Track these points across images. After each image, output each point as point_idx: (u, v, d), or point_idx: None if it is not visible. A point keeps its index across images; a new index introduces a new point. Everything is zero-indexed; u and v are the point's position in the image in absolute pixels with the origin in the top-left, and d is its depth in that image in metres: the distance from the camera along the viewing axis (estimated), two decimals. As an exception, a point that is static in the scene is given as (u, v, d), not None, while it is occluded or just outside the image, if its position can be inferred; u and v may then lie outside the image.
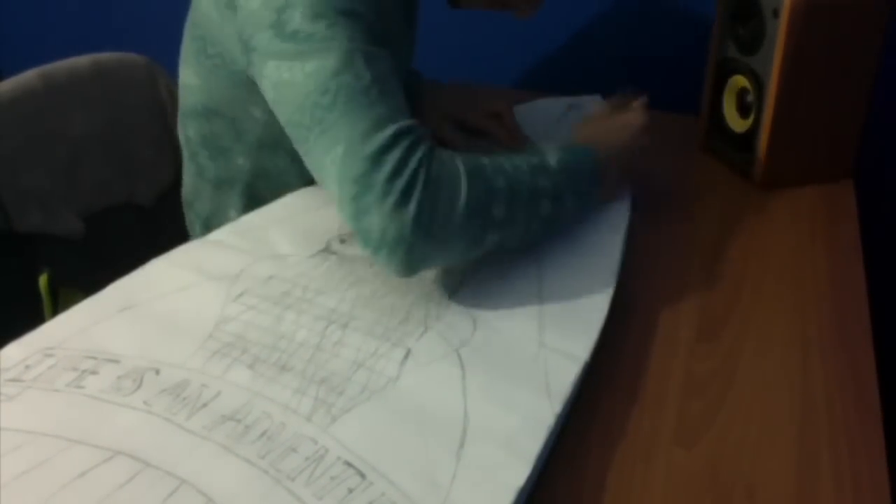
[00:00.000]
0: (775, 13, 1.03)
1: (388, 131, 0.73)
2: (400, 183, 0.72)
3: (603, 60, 1.47)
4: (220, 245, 0.88)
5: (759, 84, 1.08)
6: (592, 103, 1.25)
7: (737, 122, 1.15)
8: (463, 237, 0.75)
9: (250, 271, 0.83)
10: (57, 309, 1.09)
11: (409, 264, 0.74)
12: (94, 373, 0.69)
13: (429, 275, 0.83)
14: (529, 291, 0.82)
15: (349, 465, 0.61)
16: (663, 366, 0.79)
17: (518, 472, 0.62)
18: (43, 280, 1.09)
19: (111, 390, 0.67)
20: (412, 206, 0.72)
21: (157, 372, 0.69)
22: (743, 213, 1.05)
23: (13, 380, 0.68)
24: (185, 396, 0.67)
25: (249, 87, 0.91)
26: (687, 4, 1.39)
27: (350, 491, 0.59)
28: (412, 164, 0.73)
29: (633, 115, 1.00)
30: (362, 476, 0.60)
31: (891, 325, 1.40)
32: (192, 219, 1.10)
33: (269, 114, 0.93)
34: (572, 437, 0.70)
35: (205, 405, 0.66)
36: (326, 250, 0.87)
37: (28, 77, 1.11)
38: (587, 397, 0.74)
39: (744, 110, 1.14)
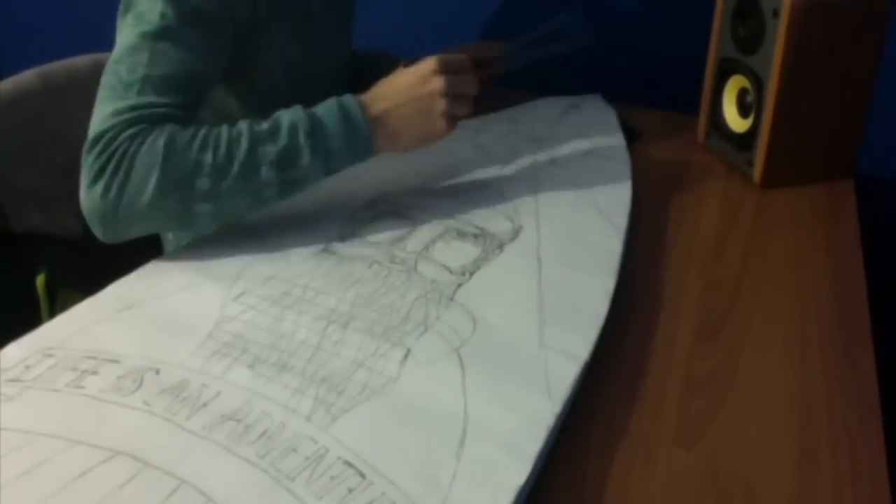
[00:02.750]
0: (775, 13, 1.03)
1: (118, 118, 0.82)
2: (97, 164, 0.80)
3: (603, 60, 1.47)
4: (220, 245, 0.88)
5: (759, 84, 1.08)
6: (592, 103, 1.25)
7: (737, 122, 1.15)
8: (161, 210, 0.82)
9: (250, 271, 0.83)
10: (55, 309, 1.09)
11: (111, 234, 0.83)
12: (94, 373, 0.69)
13: (429, 274, 0.83)
14: (529, 291, 0.82)
15: (349, 464, 0.61)
16: (663, 366, 0.79)
17: (518, 472, 0.62)
18: (40, 280, 1.09)
19: (111, 390, 0.67)
20: (99, 186, 0.80)
21: (157, 372, 0.69)
22: (743, 213, 1.05)
23: (13, 380, 0.68)
24: (185, 396, 0.67)
25: None
26: (687, 4, 1.39)
27: (350, 491, 0.59)
28: (116, 143, 0.81)
29: (425, 64, 0.90)
30: (362, 476, 0.60)
31: (891, 325, 1.40)
32: None
33: None
34: (572, 437, 0.70)
35: (205, 405, 0.66)
36: (326, 250, 0.87)
37: (27, 77, 1.11)
38: (587, 397, 0.74)
39: (744, 110, 1.14)
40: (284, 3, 1.00)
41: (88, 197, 0.81)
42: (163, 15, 0.86)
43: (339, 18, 1.11)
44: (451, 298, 0.80)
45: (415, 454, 0.63)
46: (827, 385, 0.76)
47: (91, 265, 1.04)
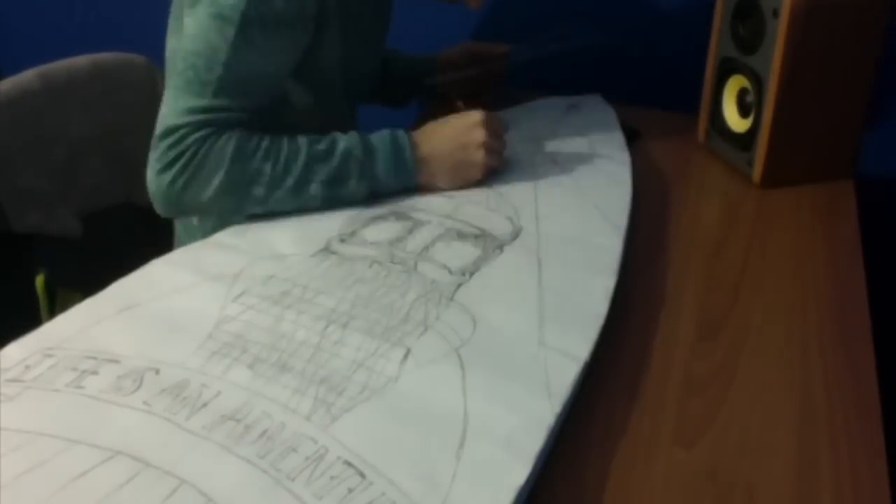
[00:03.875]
0: (775, 13, 1.03)
1: (197, 116, 0.90)
2: (171, 154, 0.89)
3: (603, 60, 1.47)
4: (220, 245, 0.88)
5: (759, 84, 1.08)
6: (592, 103, 1.25)
7: (737, 122, 1.15)
8: (217, 205, 0.92)
9: (250, 271, 0.83)
10: (54, 309, 1.09)
11: (170, 214, 0.95)
12: (94, 373, 0.69)
13: (429, 275, 0.83)
14: (529, 291, 0.82)
15: (349, 464, 0.61)
16: (663, 365, 0.79)
17: (518, 472, 0.62)
18: (40, 280, 1.09)
19: (111, 390, 0.67)
20: (168, 176, 0.90)
21: (157, 372, 0.69)
22: (743, 213, 1.05)
23: (13, 380, 0.68)
24: (184, 396, 0.67)
25: None
26: (687, 4, 1.39)
27: (350, 491, 0.59)
28: (188, 142, 0.89)
29: (467, 116, 1.01)
30: (362, 476, 0.60)
31: (891, 325, 1.40)
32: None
33: None
34: (572, 437, 0.70)
35: (205, 405, 0.66)
36: (326, 250, 0.87)
37: (27, 77, 1.10)
38: (587, 397, 0.74)
39: (744, 110, 1.14)
40: (341, 4, 1.01)
41: (156, 181, 0.90)
42: (244, 15, 0.89)
43: (381, 23, 1.14)
44: (451, 298, 0.80)
45: (415, 454, 0.63)
46: (827, 385, 0.76)
47: (91, 265, 1.04)
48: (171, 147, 0.89)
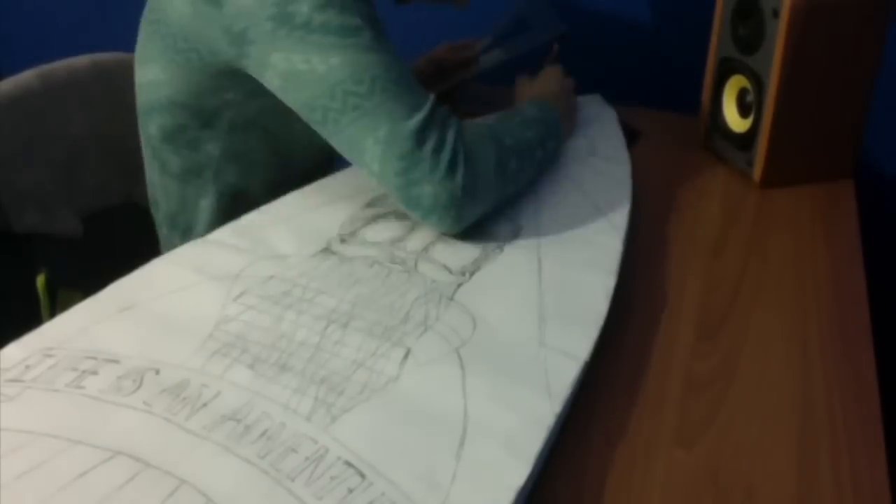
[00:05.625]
0: (775, 13, 1.03)
1: (423, 112, 0.84)
2: (445, 156, 0.83)
3: (602, 61, 1.47)
4: (220, 245, 0.88)
5: (759, 84, 1.08)
6: (593, 103, 1.25)
7: (737, 122, 1.15)
8: (496, 192, 0.89)
9: (250, 271, 0.83)
10: (55, 309, 1.09)
11: (459, 222, 0.87)
12: (94, 373, 0.69)
13: (429, 275, 0.83)
14: (529, 291, 0.82)
15: (349, 464, 0.61)
16: (663, 365, 0.79)
17: (518, 472, 0.62)
18: (40, 280, 1.09)
19: (111, 390, 0.67)
20: (459, 176, 0.84)
21: (157, 372, 0.69)
22: (743, 213, 1.05)
23: (13, 380, 0.68)
24: (185, 396, 0.67)
25: (229, 76, 0.93)
26: (687, 4, 1.39)
27: (350, 491, 0.59)
28: (450, 138, 0.84)
29: (551, 70, 1.16)
30: (362, 476, 0.60)
31: (891, 325, 1.40)
32: (159, 220, 1.09)
33: (245, 95, 0.95)
34: (572, 437, 0.70)
35: (205, 405, 0.66)
36: (326, 250, 0.87)
37: (27, 77, 1.11)
38: (587, 397, 0.74)
39: (744, 110, 1.14)
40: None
41: (448, 189, 0.83)
42: (367, 15, 0.85)
43: None
44: (451, 298, 0.80)
45: (415, 454, 0.63)
46: (827, 385, 0.77)
47: (91, 265, 1.04)
48: (436, 150, 0.82)
